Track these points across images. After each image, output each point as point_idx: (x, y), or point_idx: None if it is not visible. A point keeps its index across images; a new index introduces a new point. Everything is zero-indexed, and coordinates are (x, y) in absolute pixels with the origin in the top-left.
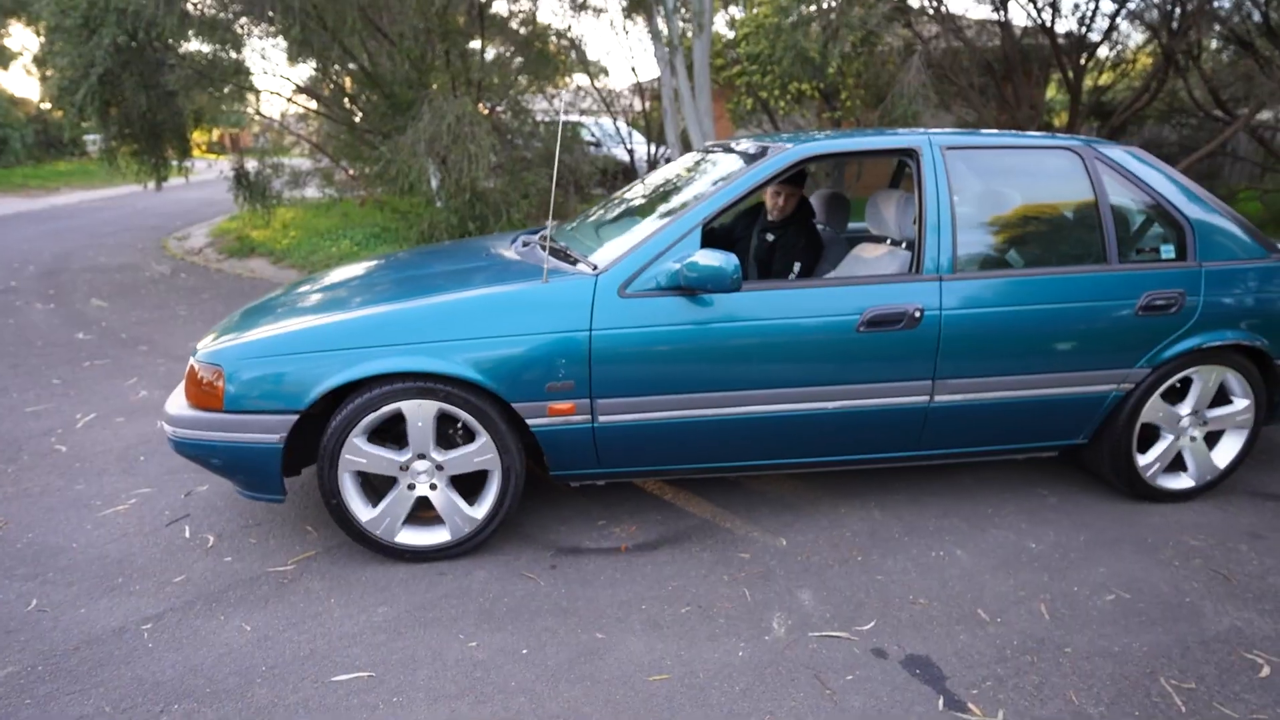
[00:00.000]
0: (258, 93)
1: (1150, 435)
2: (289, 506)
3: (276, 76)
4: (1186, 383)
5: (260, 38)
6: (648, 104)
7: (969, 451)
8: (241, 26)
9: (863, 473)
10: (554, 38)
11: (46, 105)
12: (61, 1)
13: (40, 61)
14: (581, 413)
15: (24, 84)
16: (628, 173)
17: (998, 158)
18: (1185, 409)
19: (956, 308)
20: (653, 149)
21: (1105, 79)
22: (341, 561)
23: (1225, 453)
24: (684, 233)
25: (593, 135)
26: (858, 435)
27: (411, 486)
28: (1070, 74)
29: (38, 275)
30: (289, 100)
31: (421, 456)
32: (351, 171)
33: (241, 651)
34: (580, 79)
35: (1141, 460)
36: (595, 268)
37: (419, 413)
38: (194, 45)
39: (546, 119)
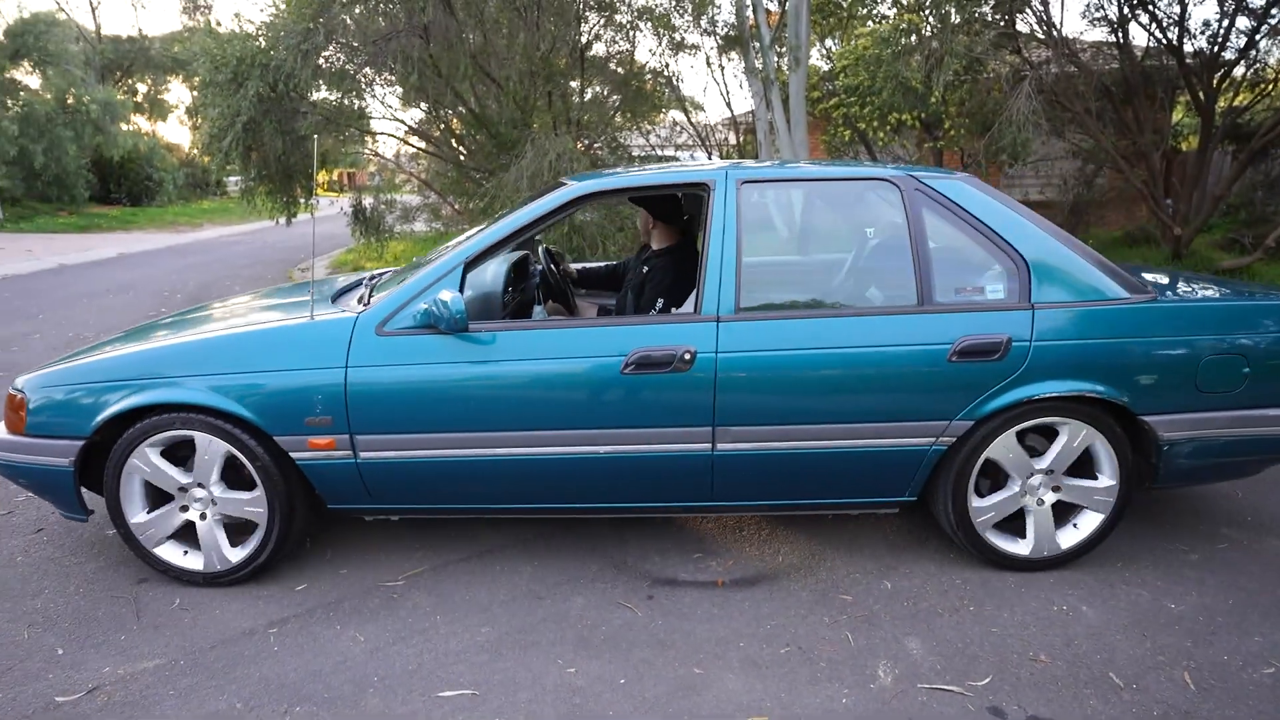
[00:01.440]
0: (374, 135)
1: (1000, 482)
2: (400, 526)
3: (391, 120)
4: (1053, 434)
5: (381, 86)
6: (742, 138)
7: (787, 505)
8: (365, 76)
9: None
10: (650, 76)
11: (195, 151)
12: (215, 59)
13: (192, 112)
14: (342, 448)
15: (177, 133)
16: None
17: (804, 191)
18: (1043, 464)
19: (734, 351)
20: None
21: (1241, 99)
22: (447, 580)
23: (1073, 533)
24: (445, 272)
25: None
26: (640, 482)
27: (185, 508)
28: (1201, 95)
29: (184, 303)
30: (402, 141)
31: (201, 486)
32: (457, 206)
33: (355, 661)
34: (675, 114)
35: (976, 502)
36: (363, 307)
37: (209, 447)
38: (323, 94)
39: (642, 154)
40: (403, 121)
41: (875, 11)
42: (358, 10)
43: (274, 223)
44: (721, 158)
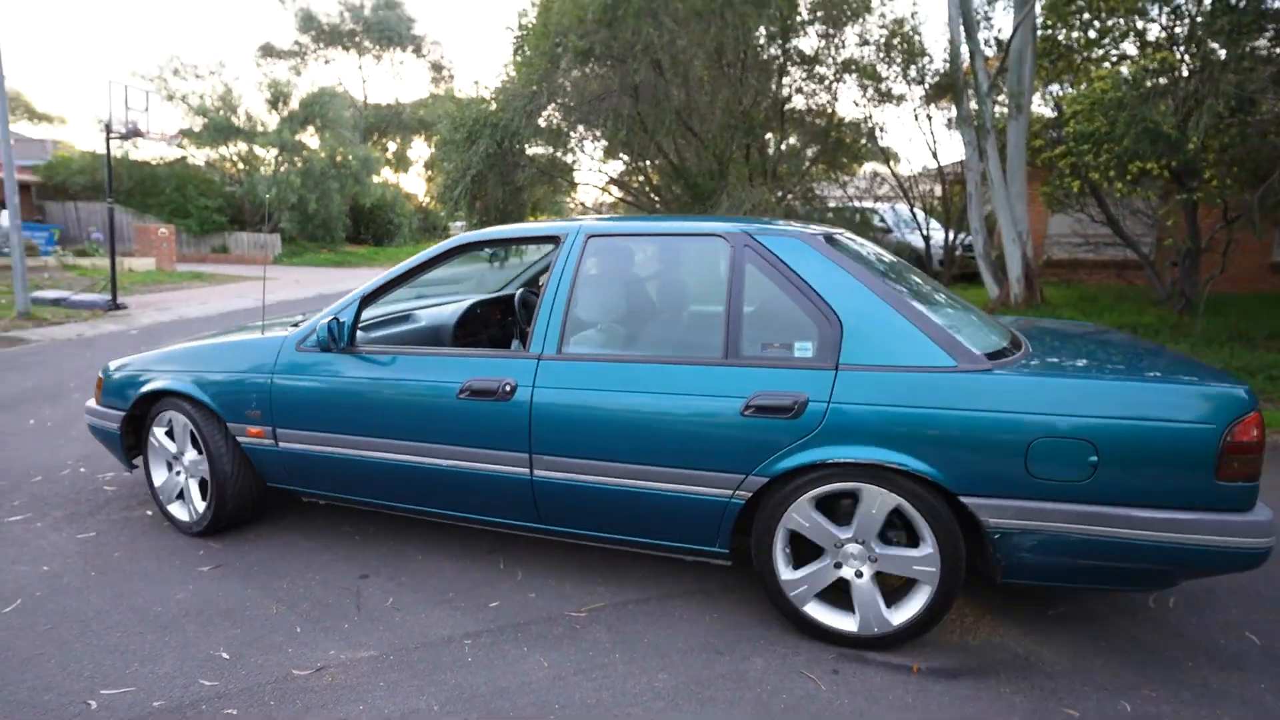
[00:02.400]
0: (577, 185)
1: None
2: (588, 558)
3: (595, 171)
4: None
5: (590, 141)
6: (948, 188)
7: (607, 539)
8: (576, 132)
9: (1227, 621)
10: (849, 127)
11: (429, 199)
12: (454, 120)
13: (429, 166)
14: (268, 437)
15: (414, 183)
16: (921, 260)
17: (644, 245)
18: (847, 533)
19: (549, 386)
20: (951, 235)
21: None
22: (628, 620)
23: (905, 608)
24: (346, 304)
25: (883, 221)
26: (476, 496)
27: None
28: None
29: None
30: (602, 189)
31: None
32: None
33: (539, 685)
34: (877, 165)
35: (785, 574)
36: (294, 328)
37: (183, 426)
38: (538, 149)
39: (837, 205)
40: (605, 172)
41: (1114, 52)
42: (575, 74)
43: (488, 264)
44: (925, 210)
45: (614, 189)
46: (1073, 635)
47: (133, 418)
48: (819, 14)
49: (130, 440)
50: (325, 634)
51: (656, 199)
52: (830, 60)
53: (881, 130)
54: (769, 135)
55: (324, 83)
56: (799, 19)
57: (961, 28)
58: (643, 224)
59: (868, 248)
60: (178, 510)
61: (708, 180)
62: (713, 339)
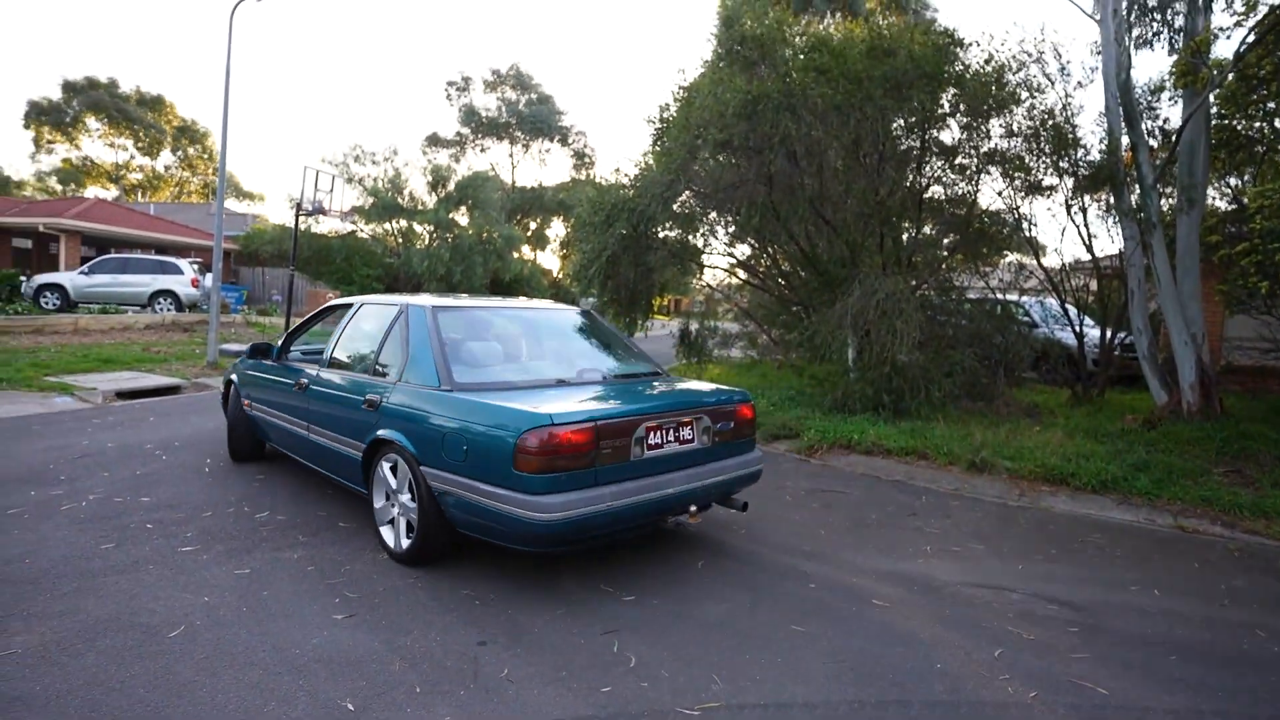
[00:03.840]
0: (704, 267)
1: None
2: (700, 647)
3: (724, 255)
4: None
5: (721, 226)
6: (1103, 283)
7: (330, 478)
8: (708, 218)
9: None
10: (992, 217)
11: (563, 275)
12: (594, 204)
13: (565, 244)
14: (249, 406)
15: (550, 260)
16: (1073, 360)
17: (387, 309)
18: (394, 484)
19: (315, 385)
20: (1108, 334)
21: None
22: None
23: (410, 540)
24: (279, 338)
25: (1028, 315)
26: (296, 444)
27: None
28: None
29: None
30: (729, 272)
31: None
32: (774, 336)
33: None
34: (1023, 257)
35: (376, 504)
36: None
37: None
38: (670, 232)
39: (976, 295)
40: (734, 256)
41: None
42: (711, 163)
43: None
44: (1077, 306)
45: (740, 272)
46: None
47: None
48: (961, 106)
49: None
50: (442, 698)
51: (784, 283)
52: (972, 150)
53: (1028, 220)
54: (905, 223)
55: (479, 167)
56: (940, 111)
57: (1121, 119)
58: (391, 297)
59: (507, 311)
60: None
61: (839, 268)
62: (371, 363)
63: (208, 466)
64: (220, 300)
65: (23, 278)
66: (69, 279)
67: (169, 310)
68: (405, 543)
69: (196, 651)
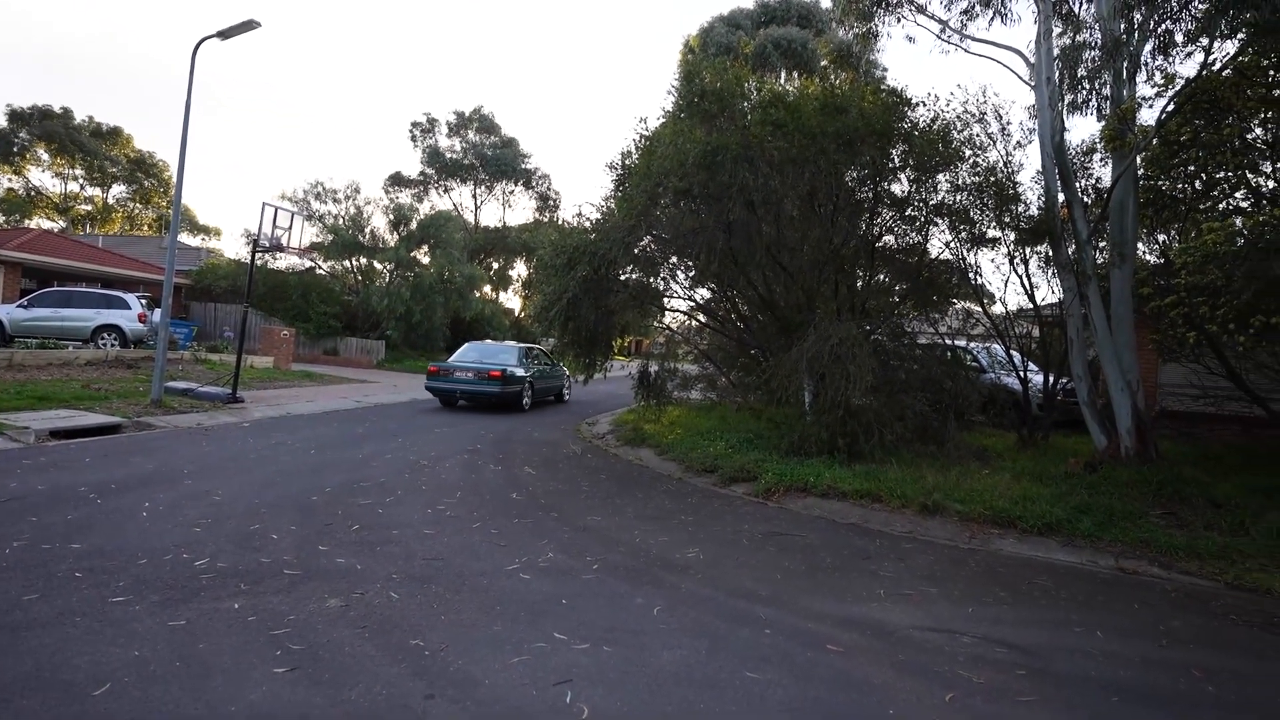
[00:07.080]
0: (664, 310)
1: None
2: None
3: (684, 298)
4: None
5: (681, 271)
6: (1045, 331)
7: None
8: (669, 263)
9: None
10: (941, 266)
11: (524, 316)
12: (556, 247)
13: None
14: None
15: (511, 300)
16: (1018, 404)
17: None
18: None
19: None
20: (1050, 379)
21: None
22: None
23: None
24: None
25: (976, 361)
26: None
27: None
28: None
29: (492, 443)
30: (688, 315)
31: None
32: (732, 378)
33: None
34: (970, 304)
35: None
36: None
37: None
38: (631, 275)
39: (927, 342)
40: (695, 300)
41: (1224, 206)
42: (671, 210)
43: (576, 380)
44: (1022, 352)
45: (701, 315)
46: None
47: None
48: (910, 161)
49: None
50: None
51: (743, 327)
52: (920, 203)
53: (974, 270)
54: (858, 270)
55: (442, 207)
56: (890, 165)
57: (1057, 177)
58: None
59: None
60: None
61: (795, 313)
62: None
63: (145, 511)
64: (169, 336)
65: None
66: (6, 312)
67: (113, 346)
68: None
69: (120, 711)
